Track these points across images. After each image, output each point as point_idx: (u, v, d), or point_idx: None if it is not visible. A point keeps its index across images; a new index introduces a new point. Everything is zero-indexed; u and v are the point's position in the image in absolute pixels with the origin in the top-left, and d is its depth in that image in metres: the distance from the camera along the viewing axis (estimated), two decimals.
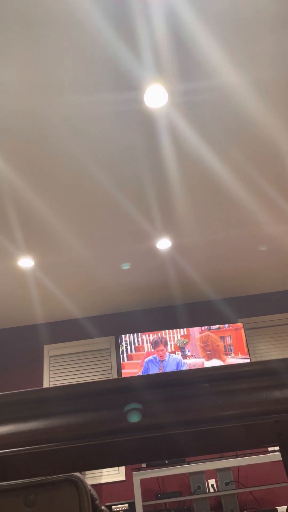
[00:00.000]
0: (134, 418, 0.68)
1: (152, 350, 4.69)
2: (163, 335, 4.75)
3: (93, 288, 4.60)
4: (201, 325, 5.02)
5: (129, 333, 4.87)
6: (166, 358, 4.64)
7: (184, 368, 4.64)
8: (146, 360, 4.62)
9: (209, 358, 4.64)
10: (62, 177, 2.96)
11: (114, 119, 2.56)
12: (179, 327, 4.97)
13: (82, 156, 2.80)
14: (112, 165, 2.91)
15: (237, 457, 3.71)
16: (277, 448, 4.23)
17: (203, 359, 4.65)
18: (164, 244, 3.92)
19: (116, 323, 5.21)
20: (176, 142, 2.79)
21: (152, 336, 4.74)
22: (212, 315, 5.20)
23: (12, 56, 2.12)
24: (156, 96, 2.43)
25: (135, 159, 2.89)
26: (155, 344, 4.70)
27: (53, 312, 5.04)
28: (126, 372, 4.60)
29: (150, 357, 4.64)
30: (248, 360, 4.71)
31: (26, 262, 3.91)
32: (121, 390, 0.68)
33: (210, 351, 4.68)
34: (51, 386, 4.87)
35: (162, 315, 5.23)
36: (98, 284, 4.52)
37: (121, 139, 2.71)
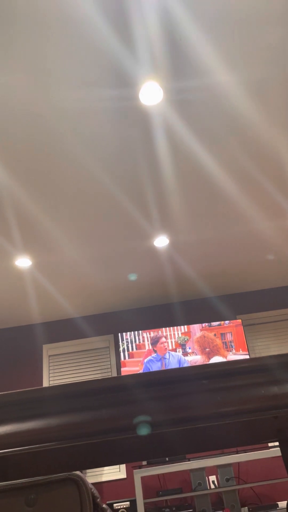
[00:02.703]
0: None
1: (154, 346, 4.68)
2: (163, 333, 4.75)
3: (91, 287, 4.59)
4: (200, 322, 5.03)
5: (128, 331, 4.87)
6: (167, 356, 4.64)
7: (186, 365, 4.65)
8: (145, 361, 4.62)
9: (209, 357, 4.65)
10: (58, 176, 2.95)
11: (109, 116, 2.55)
12: (178, 325, 4.97)
13: (77, 154, 2.80)
14: (108, 162, 2.91)
15: (237, 453, 3.72)
16: (277, 443, 4.24)
17: (204, 358, 4.66)
18: (161, 242, 3.92)
19: (115, 321, 5.21)
20: (171, 139, 2.78)
21: (153, 334, 4.74)
22: (211, 312, 5.21)
23: (7, 54, 2.11)
24: (151, 93, 2.43)
25: (130, 157, 2.89)
26: (156, 338, 4.70)
27: (51, 312, 5.04)
28: (127, 370, 4.60)
29: (149, 357, 4.64)
30: (247, 357, 4.72)
31: (23, 262, 3.91)
32: (120, 388, 0.68)
33: (208, 350, 4.69)
34: (50, 385, 4.87)
35: (160, 313, 5.23)
36: (96, 283, 4.52)
37: (116, 136, 2.71)
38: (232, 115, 2.66)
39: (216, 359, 4.65)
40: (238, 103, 2.58)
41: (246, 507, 3.78)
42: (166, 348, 4.67)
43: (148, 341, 4.72)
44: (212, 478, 4.29)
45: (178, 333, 4.76)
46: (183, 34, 2.13)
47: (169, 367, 4.62)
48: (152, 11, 2.01)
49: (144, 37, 2.12)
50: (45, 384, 4.93)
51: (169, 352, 4.66)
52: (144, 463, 3.96)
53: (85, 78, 2.29)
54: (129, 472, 4.44)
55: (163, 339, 4.69)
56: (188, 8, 2.02)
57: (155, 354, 4.66)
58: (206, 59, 2.28)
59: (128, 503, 3.82)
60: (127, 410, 0.68)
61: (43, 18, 1.98)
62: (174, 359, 4.63)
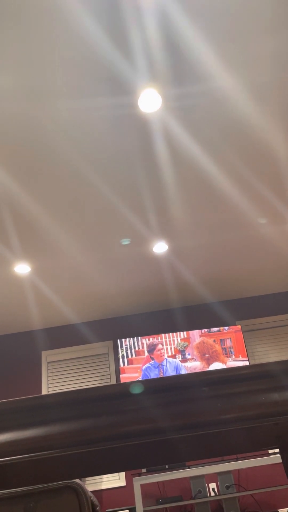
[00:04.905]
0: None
1: (151, 354, 4.67)
2: (161, 340, 4.74)
3: (90, 293, 4.59)
4: (199, 328, 5.02)
5: (127, 337, 4.86)
6: (164, 363, 4.62)
7: (183, 371, 4.63)
8: (143, 368, 4.60)
9: (209, 363, 4.64)
10: (57, 182, 2.96)
11: (108, 123, 2.56)
12: (178, 331, 4.96)
13: (77, 160, 2.80)
14: (107, 169, 2.92)
15: (237, 460, 3.70)
16: (277, 450, 4.22)
17: (203, 364, 4.65)
18: (160, 247, 3.92)
19: (114, 327, 5.20)
20: (170, 146, 2.80)
21: (152, 340, 4.73)
22: (210, 318, 5.20)
23: (6, 61, 2.13)
24: (150, 101, 2.44)
25: (130, 163, 2.89)
26: (152, 346, 4.69)
27: (50, 318, 5.03)
28: (127, 377, 4.58)
29: (148, 364, 4.62)
30: (247, 363, 4.71)
31: (22, 268, 3.90)
32: (119, 395, 0.68)
33: (208, 356, 4.67)
34: (49, 392, 4.86)
35: (160, 319, 5.23)
36: (95, 289, 4.51)
37: (116, 143, 2.72)
38: (231, 120, 2.67)
39: (216, 365, 4.64)
40: (237, 109, 2.59)
41: None
42: (163, 355, 4.65)
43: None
44: (212, 485, 4.26)
45: (177, 339, 4.75)
46: (182, 39, 2.14)
47: (167, 374, 4.60)
48: (150, 18, 2.03)
49: (142, 44, 2.14)
50: (44, 391, 4.91)
51: (166, 359, 4.65)
52: (144, 470, 3.94)
53: (83, 85, 2.30)
54: (128, 480, 4.41)
55: (160, 346, 4.68)
56: (187, 14, 2.04)
57: (152, 361, 4.65)
58: (205, 66, 2.30)
59: (127, 511, 3.79)
60: (127, 417, 0.68)
61: (41, 26, 1.99)
62: (172, 366, 4.62)
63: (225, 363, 4.67)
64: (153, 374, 4.61)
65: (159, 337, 4.74)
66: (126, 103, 2.44)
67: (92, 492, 4.39)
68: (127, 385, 0.69)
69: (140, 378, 4.55)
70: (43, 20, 1.97)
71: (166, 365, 4.62)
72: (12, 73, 2.18)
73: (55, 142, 2.63)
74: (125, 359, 4.65)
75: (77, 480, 1.56)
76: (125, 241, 3.43)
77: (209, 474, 4.29)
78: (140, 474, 3.79)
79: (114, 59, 2.19)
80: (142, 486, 4.34)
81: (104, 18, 2.00)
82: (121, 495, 4.35)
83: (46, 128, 2.52)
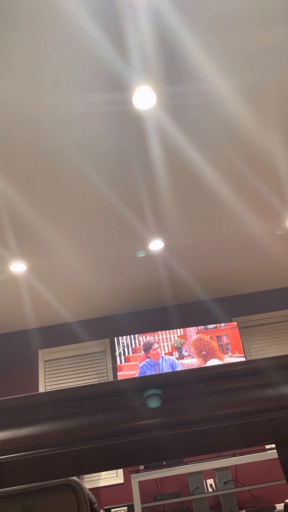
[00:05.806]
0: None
1: (147, 353, 4.68)
2: (157, 337, 4.75)
3: (87, 291, 4.59)
4: (196, 325, 5.03)
5: (124, 335, 4.86)
6: (160, 361, 4.63)
7: (178, 369, 4.64)
8: (140, 366, 4.61)
9: (206, 359, 4.65)
10: (52, 180, 2.95)
11: (103, 120, 2.56)
12: (174, 328, 4.97)
13: (71, 158, 2.80)
14: (102, 166, 2.91)
15: (234, 456, 3.72)
16: (274, 445, 4.24)
17: (200, 361, 4.66)
18: (156, 245, 3.92)
19: (111, 325, 5.20)
20: (165, 144, 2.79)
21: (149, 338, 4.74)
22: (207, 315, 5.21)
23: (3, 59, 2.12)
24: (144, 98, 2.44)
25: (125, 161, 2.89)
26: (148, 345, 4.70)
27: (47, 317, 5.02)
28: (124, 374, 4.59)
29: (144, 362, 4.63)
30: (244, 359, 4.72)
31: (18, 267, 3.89)
32: (115, 393, 0.68)
33: (205, 353, 4.69)
34: (46, 391, 4.86)
35: (156, 317, 5.23)
36: (91, 287, 4.51)
37: (110, 140, 2.71)
38: (225, 119, 2.67)
39: (213, 361, 4.65)
40: (231, 107, 2.59)
41: (244, 510, 3.78)
42: (159, 354, 4.66)
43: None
44: (210, 481, 4.28)
45: (174, 336, 4.76)
46: (176, 38, 2.14)
47: (162, 372, 4.61)
48: (144, 16, 2.02)
49: (137, 42, 2.13)
50: (42, 389, 4.91)
51: (162, 357, 4.66)
52: (142, 467, 3.95)
53: (79, 82, 2.30)
54: (126, 477, 4.42)
55: (156, 345, 4.68)
56: (181, 13, 2.03)
57: (148, 359, 4.65)
58: (199, 64, 2.30)
59: (125, 508, 3.80)
60: (123, 414, 0.68)
61: (38, 24, 1.98)
62: (167, 364, 4.63)
63: (222, 360, 4.68)
64: (149, 372, 4.61)
65: (155, 335, 4.75)
66: (120, 100, 2.43)
67: (90, 489, 4.40)
68: (122, 383, 0.69)
69: (137, 376, 4.55)
70: (40, 18, 1.96)
71: (162, 363, 4.63)
72: (7, 69, 2.17)
73: (50, 139, 2.62)
74: (122, 357, 4.65)
75: (75, 478, 1.56)
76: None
77: (207, 470, 4.31)
78: (137, 471, 3.80)
79: (110, 56, 2.18)
80: (140, 483, 4.35)
81: (99, 15, 1.99)
82: (119, 492, 4.36)
83: (42, 125, 2.51)
